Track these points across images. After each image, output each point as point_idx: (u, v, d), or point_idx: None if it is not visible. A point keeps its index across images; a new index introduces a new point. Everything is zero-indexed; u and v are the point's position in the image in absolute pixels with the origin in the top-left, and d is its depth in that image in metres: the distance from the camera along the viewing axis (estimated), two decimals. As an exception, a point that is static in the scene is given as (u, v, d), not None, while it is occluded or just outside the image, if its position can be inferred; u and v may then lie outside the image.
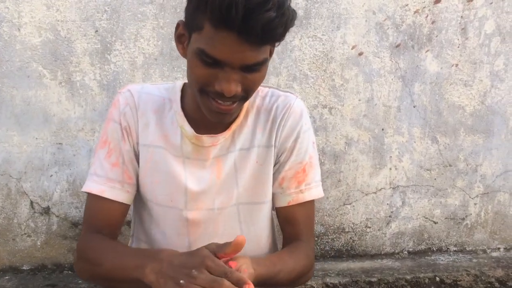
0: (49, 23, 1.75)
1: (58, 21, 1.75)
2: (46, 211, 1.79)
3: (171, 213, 1.15)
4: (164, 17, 1.79)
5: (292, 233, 1.19)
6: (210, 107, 1.01)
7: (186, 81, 1.14)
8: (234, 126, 1.14)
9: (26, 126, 1.76)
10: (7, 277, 1.75)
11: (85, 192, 1.16)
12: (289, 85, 1.88)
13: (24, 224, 1.79)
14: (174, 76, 1.81)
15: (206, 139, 1.11)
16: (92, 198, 1.14)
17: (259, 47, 0.93)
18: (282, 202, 1.17)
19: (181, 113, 1.13)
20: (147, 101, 1.14)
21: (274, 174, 1.17)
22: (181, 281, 0.89)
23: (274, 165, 1.16)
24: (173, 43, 1.83)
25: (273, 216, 1.23)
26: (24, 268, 1.80)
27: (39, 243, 1.81)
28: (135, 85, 1.21)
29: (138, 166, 1.15)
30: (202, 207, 1.13)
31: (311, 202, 1.19)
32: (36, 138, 1.77)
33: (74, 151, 1.78)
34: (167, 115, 1.15)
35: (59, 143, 1.78)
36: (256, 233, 1.20)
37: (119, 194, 1.12)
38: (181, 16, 1.41)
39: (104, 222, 1.14)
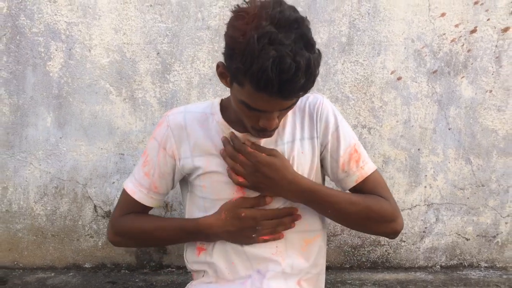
0: (116, 45, 1.75)
1: (124, 43, 1.75)
2: (108, 214, 1.79)
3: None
4: (219, 41, 1.77)
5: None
6: (257, 135, 1.13)
7: (223, 97, 1.27)
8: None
9: (92, 137, 1.77)
10: (71, 274, 1.74)
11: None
12: None
13: (88, 226, 1.80)
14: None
15: (252, 138, 1.17)
16: (126, 194, 1.27)
17: (293, 99, 1.03)
18: (351, 183, 1.21)
19: (224, 122, 1.20)
20: (192, 119, 1.23)
21: (331, 163, 1.22)
22: (253, 235, 1.15)
23: (321, 154, 1.22)
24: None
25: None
26: (86, 266, 1.80)
27: (100, 244, 1.80)
28: (177, 109, 1.28)
29: (173, 180, 1.25)
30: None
31: (374, 174, 1.22)
32: (101, 149, 1.78)
33: (134, 161, 1.79)
34: (211, 127, 1.21)
35: (121, 154, 1.79)
36: (305, 213, 1.24)
37: (144, 198, 1.25)
38: None
39: (134, 210, 1.28)
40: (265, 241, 1.18)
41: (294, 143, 1.21)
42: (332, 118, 1.21)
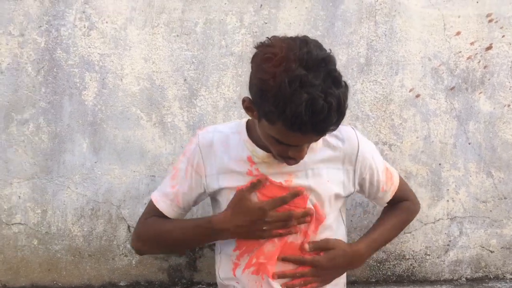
0: (146, 74, 1.80)
1: (154, 72, 1.80)
2: None
3: None
4: (242, 66, 1.81)
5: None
6: (283, 161, 1.17)
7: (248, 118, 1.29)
8: None
9: (125, 160, 1.82)
10: None
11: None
12: (352, 124, 1.81)
13: (122, 245, 1.83)
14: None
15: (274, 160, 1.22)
16: (151, 202, 1.35)
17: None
18: (387, 198, 1.38)
19: (249, 140, 1.24)
20: (220, 138, 1.28)
21: (370, 189, 1.33)
22: (264, 227, 1.16)
23: (358, 183, 1.30)
24: None
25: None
26: (121, 284, 1.83)
27: (134, 263, 1.84)
28: (208, 128, 1.34)
29: (196, 198, 1.31)
30: None
31: (400, 181, 1.39)
32: (134, 171, 1.82)
33: None
34: (237, 145, 1.26)
35: (153, 175, 1.83)
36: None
37: (167, 209, 1.31)
38: None
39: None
40: (280, 235, 1.20)
41: (321, 169, 1.24)
42: (367, 154, 1.29)
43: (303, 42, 1.03)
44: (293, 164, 1.17)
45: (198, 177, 1.28)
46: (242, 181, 1.23)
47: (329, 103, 0.97)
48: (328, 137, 1.24)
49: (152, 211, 1.35)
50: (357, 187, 1.32)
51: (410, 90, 1.85)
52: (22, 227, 1.83)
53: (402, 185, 1.41)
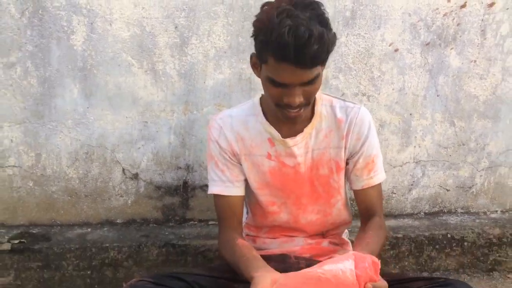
0: (136, 19, 1.64)
1: (144, 17, 1.64)
2: (135, 176, 1.78)
3: (270, 197, 1.30)
4: (233, 15, 1.68)
5: (368, 210, 1.29)
6: (285, 115, 1.13)
7: (257, 95, 1.28)
8: (308, 129, 1.23)
9: (118, 107, 1.70)
10: (105, 229, 1.75)
11: (212, 194, 1.29)
12: (335, 76, 1.77)
13: (118, 186, 1.78)
14: (240, 67, 1.72)
15: (289, 141, 1.22)
16: (216, 198, 1.28)
17: (310, 69, 1.04)
18: (357, 186, 1.28)
19: (266, 122, 1.23)
20: (239, 121, 1.25)
21: (349, 165, 1.27)
22: None
23: (347, 160, 1.27)
24: (240, 39, 1.66)
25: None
26: (118, 221, 1.80)
27: (129, 202, 1.79)
28: (222, 113, 1.29)
29: (242, 166, 1.26)
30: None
31: (379, 184, 1.29)
32: (126, 117, 1.72)
33: (157, 128, 1.74)
34: (255, 127, 1.24)
35: (145, 121, 1.74)
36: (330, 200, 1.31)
37: (233, 190, 1.26)
38: (247, 16, 1.67)
39: (230, 213, 1.26)
40: None
41: (326, 150, 1.25)
42: (364, 132, 1.23)
43: None
44: (292, 116, 1.13)
45: (231, 155, 1.26)
46: (261, 164, 1.25)
47: (311, 31, 0.98)
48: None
49: (224, 206, 1.28)
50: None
51: (390, 45, 1.79)
52: (17, 170, 1.71)
53: (378, 193, 1.32)
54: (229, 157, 1.26)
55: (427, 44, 1.83)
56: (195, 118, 1.77)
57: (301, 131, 1.22)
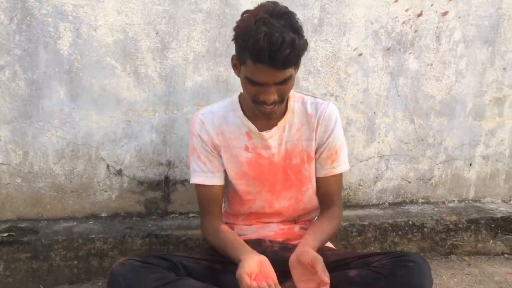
0: (119, 26, 1.75)
1: (127, 24, 1.76)
2: (119, 172, 1.87)
3: (246, 186, 1.43)
4: (211, 22, 1.81)
5: (327, 199, 1.42)
6: (261, 111, 1.25)
7: (236, 94, 1.41)
8: (282, 123, 1.36)
9: (102, 107, 1.80)
10: (91, 222, 1.84)
11: (193, 184, 1.41)
12: (305, 78, 1.92)
13: (102, 182, 1.87)
14: (217, 70, 1.85)
15: (265, 134, 1.35)
16: (198, 187, 1.40)
17: (283, 71, 1.16)
18: (320, 174, 1.41)
19: (245, 118, 1.36)
20: (219, 116, 1.38)
21: (316, 155, 1.40)
22: None
23: (316, 151, 1.41)
24: (217, 44, 1.79)
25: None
26: (103, 215, 1.89)
27: (114, 197, 1.89)
28: (203, 109, 1.42)
29: (222, 158, 1.39)
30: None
31: (340, 174, 1.43)
32: (111, 117, 1.82)
33: (140, 127, 1.85)
34: (234, 122, 1.37)
35: (128, 121, 1.84)
36: (299, 185, 1.43)
37: (214, 180, 1.38)
38: (223, 23, 1.81)
39: (210, 203, 1.39)
40: None
41: (298, 142, 1.38)
42: (331, 125, 1.37)
43: (274, 2, 1.20)
44: (268, 112, 1.25)
45: (212, 148, 1.38)
46: (239, 156, 1.37)
47: (283, 38, 1.10)
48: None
49: (205, 195, 1.39)
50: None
51: (354, 49, 1.95)
52: (5, 167, 1.79)
53: (339, 183, 1.44)
54: (210, 149, 1.38)
55: (388, 49, 2.00)
56: (176, 117, 1.89)
57: (276, 125, 1.36)
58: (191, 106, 1.89)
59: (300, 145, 1.39)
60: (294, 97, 1.39)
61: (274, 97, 1.21)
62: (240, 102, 1.39)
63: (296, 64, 1.21)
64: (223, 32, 1.83)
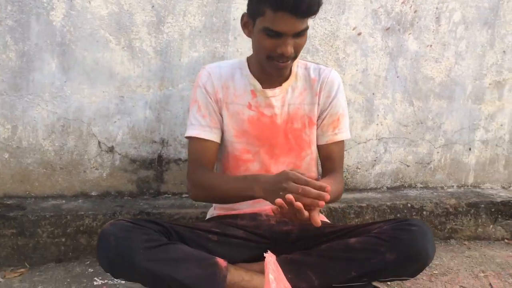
0: None
1: None
2: (111, 149, 1.83)
3: (246, 144, 1.39)
4: None
5: (330, 166, 1.40)
6: (274, 66, 1.24)
7: (242, 57, 1.41)
8: (285, 85, 1.36)
9: (95, 81, 1.76)
10: (80, 201, 1.78)
11: (187, 138, 1.38)
12: (303, 57, 1.87)
13: (93, 159, 1.82)
14: (214, 46, 1.81)
15: (268, 91, 1.35)
16: (192, 141, 1.36)
17: (303, 19, 1.17)
18: (322, 141, 1.40)
19: (251, 75, 1.36)
20: (226, 72, 1.38)
21: (318, 121, 1.39)
22: (280, 193, 1.09)
23: (318, 117, 1.40)
24: (214, 19, 1.76)
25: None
26: (93, 194, 1.84)
27: (104, 175, 1.84)
28: (213, 64, 1.42)
29: (222, 117, 1.38)
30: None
31: (342, 142, 1.41)
32: (103, 92, 1.77)
33: (133, 103, 1.80)
34: (240, 79, 1.37)
35: (122, 96, 1.79)
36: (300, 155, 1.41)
37: (210, 135, 1.35)
38: None
39: (204, 156, 1.34)
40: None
41: (301, 105, 1.37)
42: (333, 90, 1.37)
43: None
44: (281, 67, 1.24)
45: (215, 102, 1.37)
46: (241, 113, 1.36)
47: None
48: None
49: (198, 149, 1.34)
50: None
51: (353, 29, 1.93)
52: None
53: (341, 151, 1.41)
54: (213, 103, 1.37)
55: (387, 29, 1.98)
56: (171, 93, 1.85)
57: (280, 85, 1.35)
58: (187, 83, 1.85)
59: (303, 109, 1.37)
60: (298, 63, 1.40)
61: (291, 49, 1.21)
62: (248, 62, 1.40)
63: (315, 12, 1.19)
64: (221, 7, 1.80)
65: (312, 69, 1.39)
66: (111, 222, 1.14)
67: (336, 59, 1.95)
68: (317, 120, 1.39)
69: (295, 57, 1.26)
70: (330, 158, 1.39)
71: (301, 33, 1.20)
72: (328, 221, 1.51)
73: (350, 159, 2.02)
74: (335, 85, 1.37)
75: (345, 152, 2.04)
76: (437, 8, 2.00)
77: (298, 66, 1.39)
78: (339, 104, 1.38)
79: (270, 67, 1.26)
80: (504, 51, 2.13)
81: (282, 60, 1.23)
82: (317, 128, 1.40)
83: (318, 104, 1.37)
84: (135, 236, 1.09)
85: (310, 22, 1.89)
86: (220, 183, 1.27)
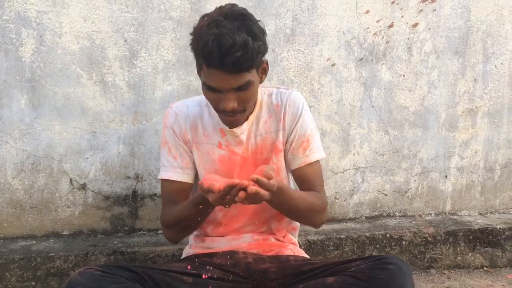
0: (86, 33, 1.71)
1: (94, 31, 1.72)
2: (83, 187, 1.79)
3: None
4: (181, 30, 1.79)
5: (308, 189, 1.35)
6: (224, 119, 1.25)
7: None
8: (251, 117, 1.34)
9: (66, 117, 1.74)
10: (51, 241, 1.73)
11: (160, 179, 1.38)
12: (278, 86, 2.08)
13: (65, 197, 1.77)
14: (188, 79, 1.82)
15: (236, 130, 1.32)
16: (165, 182, 1.36)
17: (238, 75, 1.12)
18: (295, 165, 1.36)
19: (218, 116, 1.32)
20: (194, 112, 1.36)
21: (286, 145, 1.36)
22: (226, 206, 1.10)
23: (286, 142, 1.36)
24: (188, 52, 1.79)
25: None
26: (64, 233, 1.79)
27: (77, 213, 1.79)
28: (179, 102, 1.40)
29: (193, 155, 1.36)
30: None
31: (317, 162, 1.36)
32: (75, 127, 1.75)
33: (106, 138, 1.78)
34: (208, 118, 1.35)
35: (94, 132, 1.77)
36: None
37: (182, 176, 1.35)
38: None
39: (176, 197, 1.34)
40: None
41: (267, 135, 1.36)
42: (297, 112, 1.34)
43: (232, 4, 1.18)
44: (230, 121, 1.25)
45: (184, 143, 1.36)
46: (211, 153, 1.35)
47: (234, 39, 1.06)
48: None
49: (170, 190, 1.35)
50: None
51: (327, 60, 1.97)
52: None
53: (317, 171, 1.38)
54: (182, 143, 1.36)
55: (361, 59, 2.01)
56: (144, 128, 1.84)
57: (246, 119, 1.34)
58: (161, 117, 1.84)
59: (270, 137, 1.37)
60: (261, 90, 1.38)
61: (233, 104, 1.18)
62: None
63: (250, 67, 1.14)
64: (194, 41, 1.81)
65: (274, 95, 1.37)
66: (79, 270, 1.11)
67: (311, 90, 1.97)
68: (286, 145, 1.37)
69: (243, 110, 1.23)
70: (306, 181, 1.36)
71: (243, 87, 1.16)
72: (307, 256, 1.49)
73: (328, 189, 2.03)
74: (298, 105, 1.35)
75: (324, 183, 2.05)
76: (408, 38, 2.05)
77: (264, 93, 1.37)
78: (305, 124, 1.35)
79: (221, 119, 1.26)
80: (475, 79, 2.19)
81: (227, 115, 1.21)
82: (287, 153, 1.38)
83: (284, 130, 1.35)
84: (106, 286, 1.06)
85: (285, 54, 1.93)
86: (181, 209, 1.29)
